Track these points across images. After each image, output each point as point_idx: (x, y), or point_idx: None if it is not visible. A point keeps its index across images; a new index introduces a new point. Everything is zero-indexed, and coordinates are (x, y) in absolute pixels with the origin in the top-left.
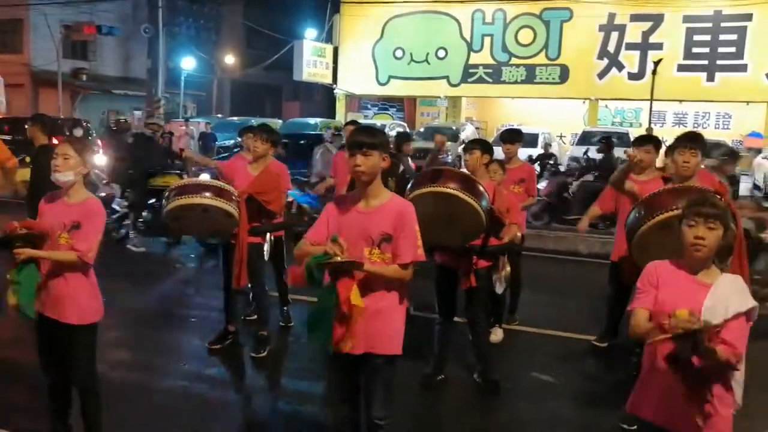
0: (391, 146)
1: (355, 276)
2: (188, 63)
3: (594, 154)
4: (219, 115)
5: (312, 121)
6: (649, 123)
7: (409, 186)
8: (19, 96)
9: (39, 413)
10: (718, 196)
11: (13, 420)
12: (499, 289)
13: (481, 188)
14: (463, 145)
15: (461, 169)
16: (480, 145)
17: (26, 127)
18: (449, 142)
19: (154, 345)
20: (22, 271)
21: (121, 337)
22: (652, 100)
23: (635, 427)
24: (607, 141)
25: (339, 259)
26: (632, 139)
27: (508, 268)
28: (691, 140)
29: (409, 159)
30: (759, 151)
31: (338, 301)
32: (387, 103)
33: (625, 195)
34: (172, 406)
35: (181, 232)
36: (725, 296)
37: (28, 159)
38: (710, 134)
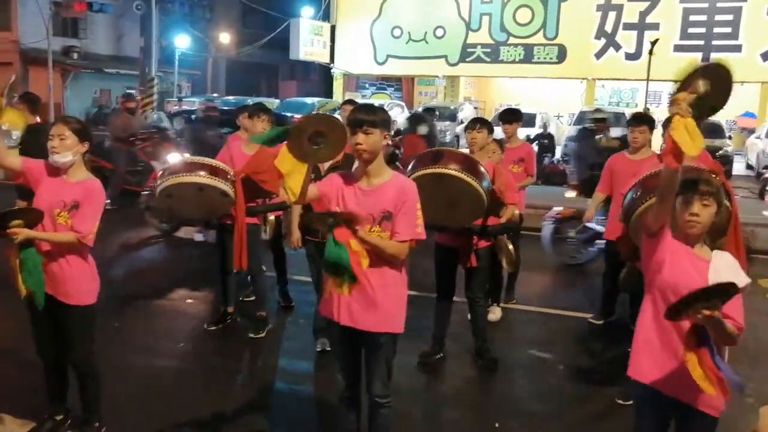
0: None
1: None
2: (182, 41)
3: None
4: (214, 95)
5: (309, 100)
6: (645, 103)
7: (409, 167)
8: (8, 75)
9: (37, 395)
10: (713, 175)
11: (12, 402)
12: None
13: (482, 169)
14: (462, 125)
15: (461, 149)
16: (487, 124)
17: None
18: (447, 122)
19: (151, 326)
20: (26, 258)
21: (119, 319)
22: (648, 80)
23: (631, 402)
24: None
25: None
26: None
27: (511, 247)
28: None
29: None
30: (752, 131)
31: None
32: (385, 82)
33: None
34: (170, 387)
35: (174, 214)
36: (724, 273)
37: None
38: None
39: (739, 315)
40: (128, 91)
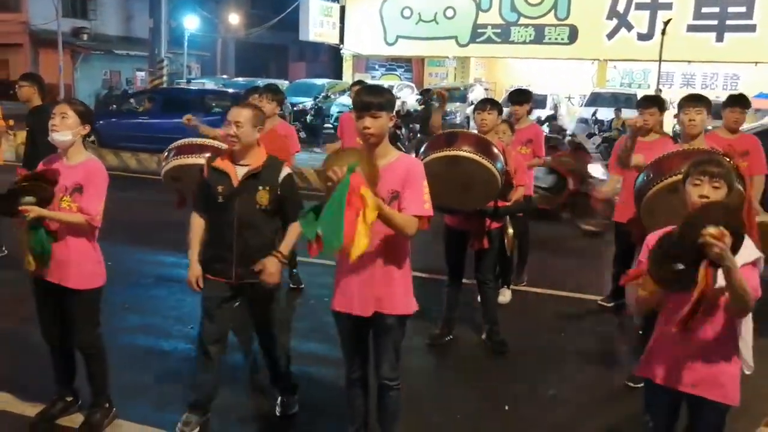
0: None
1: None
2: (191, 22)
3: (602, 115)
4: (224, 76)
5: (319, 82)
6: (657, 84)
7: (422, 149)
8: (19, 56)
9: (47, 378)
10: (726, 158)
11: (22, 384)
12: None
13: (496, 150)
14: (472, 106)
15: (473, 130)
16: (497, 105)
17: (19, 87)
18: (458, 103)
19: (160, 309)
20: (36, 236)
21: (127, 301)
22: (660, 60)
23: (641, 384)
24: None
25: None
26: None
27: (511, 230)
28: (696, 99)
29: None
30: (767, 112)
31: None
32: (395, 63)
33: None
34: (179, 369)
35: (184, 194)
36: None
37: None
38: (718, 95)
39: (754, 280)
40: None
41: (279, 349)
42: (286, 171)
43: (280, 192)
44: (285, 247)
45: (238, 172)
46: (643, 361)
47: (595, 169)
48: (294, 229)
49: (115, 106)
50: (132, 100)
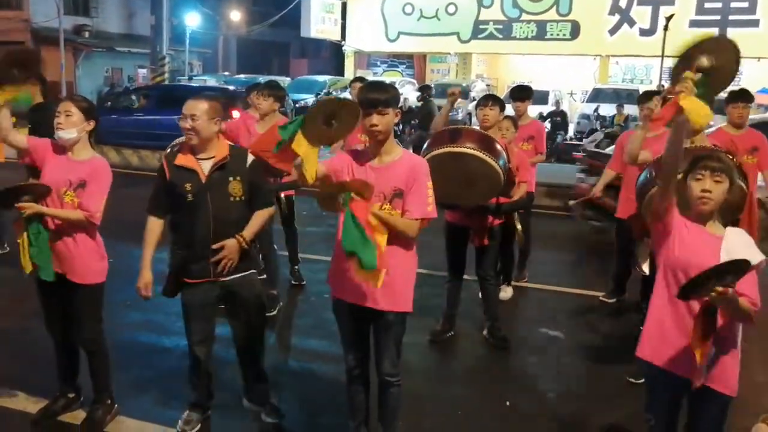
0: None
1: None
2: (193, 19)
3: (604, 111)
4: (225, 73)
5: (320, 78)
6: (660, 80)
7: (425, 146)
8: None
9: (50, 374)
10: (729, 155)
11: (25, 380)
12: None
13: (498, 147)
14: (474, 102)
15: (476, 127)
16: (499, 101)
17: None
18: (460, 99)
19: (161, 306)
20: (34, 233)
21: (129, 299)
22: (663, 56)
23: (642, 380)
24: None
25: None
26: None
27: (519, 226)
28: (743, 95)
29: None
30: None
31: (358, 223)
32: (396, 60)
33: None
34: (181, 366)
35: None
36: (736, 250)
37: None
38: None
39: (753, 292)
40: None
41: (261, 361)
42: (251, 158)
43: (249, 179)
44: (249, 232)
45: (203, 167)
46: (644, 340)
47: None
48: (260, 216)
49: (109, 103)
50: (129, 97)
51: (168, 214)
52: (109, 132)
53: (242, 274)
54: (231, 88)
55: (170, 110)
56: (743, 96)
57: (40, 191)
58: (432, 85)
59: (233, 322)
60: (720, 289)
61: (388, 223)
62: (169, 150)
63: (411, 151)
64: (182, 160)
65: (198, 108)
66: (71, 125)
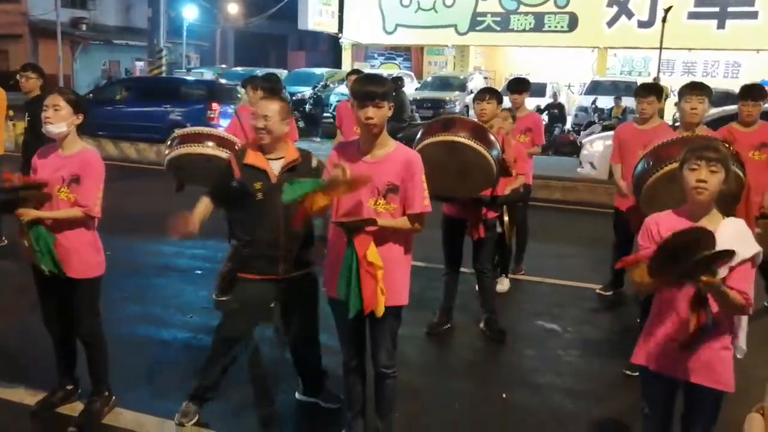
0: None
1: (370, 233)
2: (190, 12)
3: (602, 103)
4: (223, 66)
5: (318, 71)
6: (658, 72)
7: (418, 135)
8: (18, 47)
9: (48, 366)
10: (726, 144)
11: (24, 373)
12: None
13: (492, 137)
14: (471, 95)
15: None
16: (497, 95)
17: (27, 78)
18: (457, 92)
19: (160, 298)
20: (37, 237)
21: (127, 291)
22: (661, 48)
23: (638, 373)
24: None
25: (350, 219)
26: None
27: (506, 218)
28: (699, 87)
29: None
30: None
31: (357, 258)
32: (394, 52)
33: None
34: (179, 358)
35: (184, 181)
36: (730, 242)
37: None
38: (719, 83)
39: (744, 284)
40: None
41: (319, 353)
42: (315, 159)
43: None
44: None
45: (273, 167)
46: (638, 348)
47: None
48: None
49: (92, 95)
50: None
51: (221, 208)
52: (95, 124)
53: (305, 270)
54: (223, 81)
55: (149, 102)
56: (752, 93)
57: (40, 199)
58: (403, 77)
59: (291, 318)
60: (704, 278)
61: (393, 227)
62: (236, 148)
63: None
64: (252, 159)
65: (270, 108)
66: (60, 119)
